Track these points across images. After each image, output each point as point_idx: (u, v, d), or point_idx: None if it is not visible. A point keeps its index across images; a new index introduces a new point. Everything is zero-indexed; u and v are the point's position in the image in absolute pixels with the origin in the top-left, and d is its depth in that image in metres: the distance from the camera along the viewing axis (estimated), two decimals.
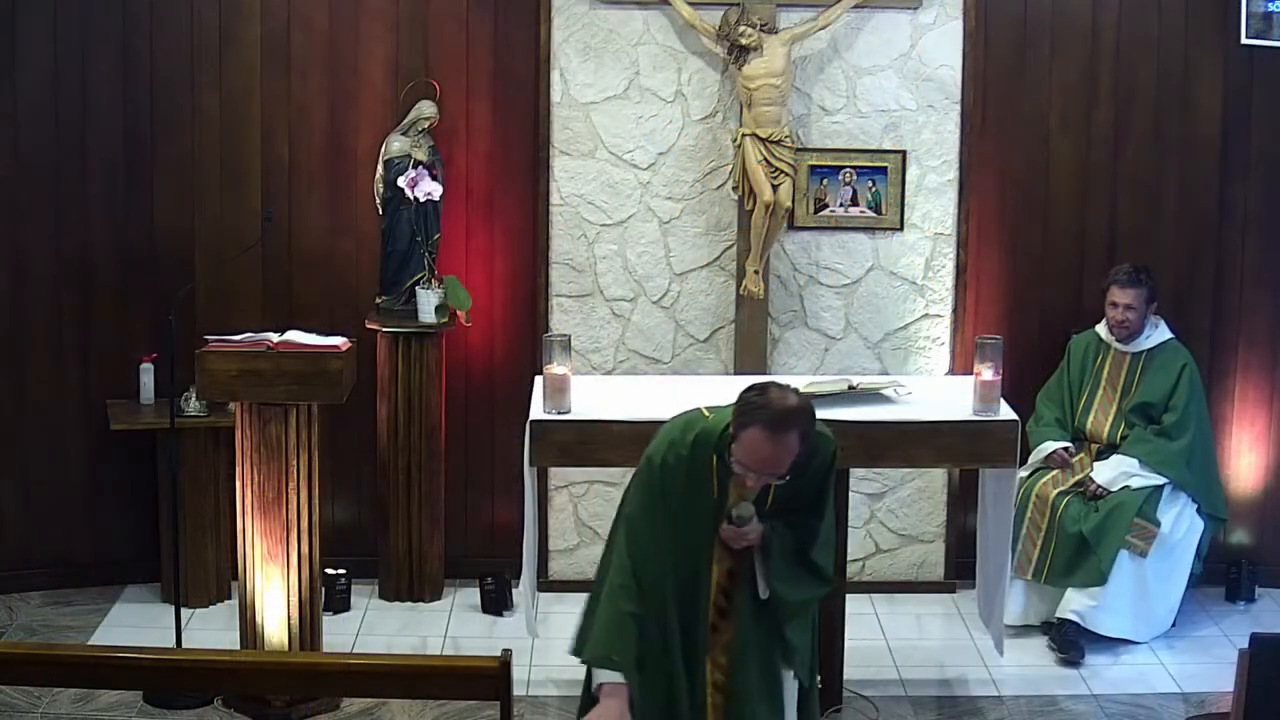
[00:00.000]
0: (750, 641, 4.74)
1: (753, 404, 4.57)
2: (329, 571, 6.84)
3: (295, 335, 6.01)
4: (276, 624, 5.98)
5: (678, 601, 4.69)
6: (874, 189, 7.03)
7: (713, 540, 4.69)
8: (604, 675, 4.62)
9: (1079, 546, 6.61)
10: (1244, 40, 6.96)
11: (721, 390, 6.10)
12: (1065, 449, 6.83)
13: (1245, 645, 5.01)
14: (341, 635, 6.68)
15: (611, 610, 4.64)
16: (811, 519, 4.77)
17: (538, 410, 5.88)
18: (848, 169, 7.02)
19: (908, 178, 7.02)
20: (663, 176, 7.02)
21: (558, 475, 7.16)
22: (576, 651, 4.75)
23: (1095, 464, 6.78)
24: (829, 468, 4.79)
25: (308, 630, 6.02)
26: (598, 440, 5.80)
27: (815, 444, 4.69)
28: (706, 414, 4.76)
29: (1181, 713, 6.15)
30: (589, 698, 4.71)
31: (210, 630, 6.65)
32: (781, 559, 4.72)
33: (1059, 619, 6.64)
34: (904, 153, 7.01)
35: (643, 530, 4.68)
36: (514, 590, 6.94)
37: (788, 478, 4.59)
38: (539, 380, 6.01)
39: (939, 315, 7.11)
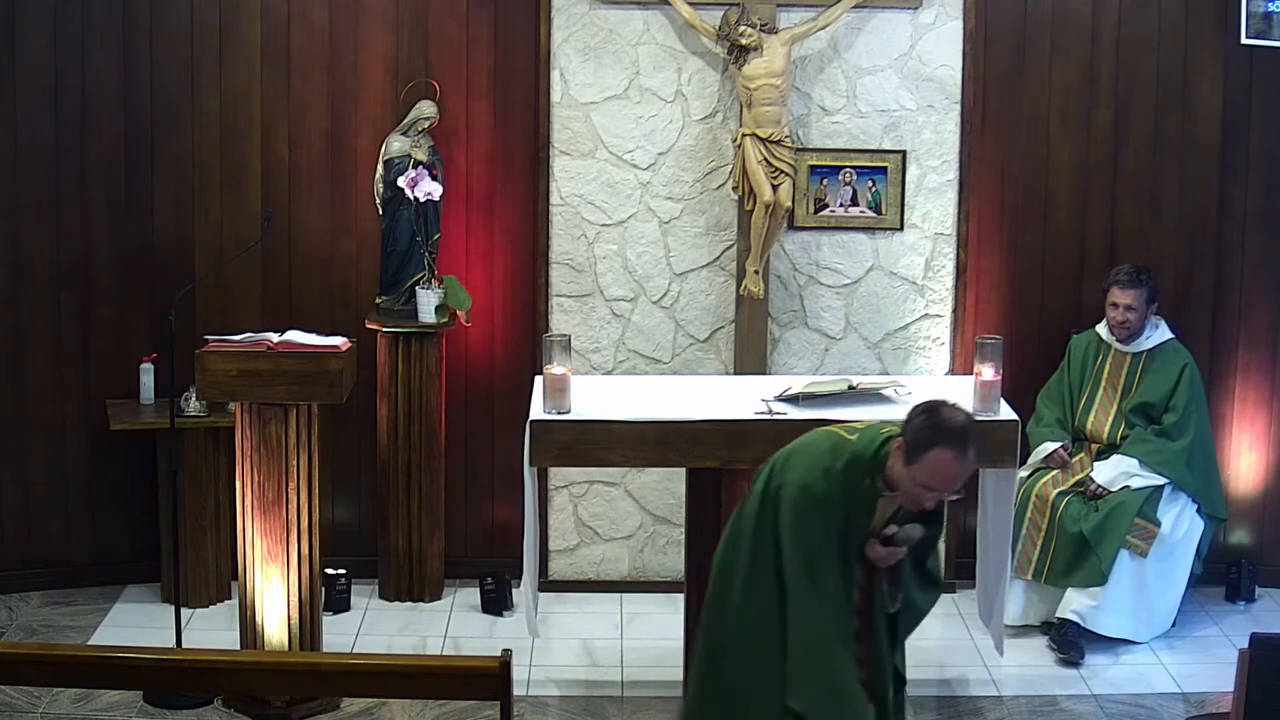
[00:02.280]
0: (883, 656, 4.74)
1: (931, 426, 4.50)
2: (329, 571, 6.84)
3: (295, 335, 6.01)
4: (276, 624, 5.98)
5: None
6: (874, 189, 7.03)
7: (853, 561, 4.64)
8: None
9: (1079, 546, 6.61)
10: (1244, 40, 6.96)
11: (722, 390, 6.13)
12: (1062, 446, 6.83)
13: (1245, 645, 5.02)
14: (341, 635, 6.68)
15: (846, 683, 4.59)
16: (932, 529, 4.74)
17: (538, 410, 5.88)
18: (848, 169, 7.02)
19: (908, 178, 7.02)
20: (663, 176, 7.02)
21: (558, 475, 7.16)
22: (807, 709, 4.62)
23: (1095, 464, 6.78)
24: (943, 510, 4.77)
25: (308, 630, 6.03)
26: (598, 440, 5.80)
27: None
28: (847, 435, 4.68)
29: (1181, 713, 6.15)
30: None
31: (210, 630, 6.65)
32: (911, 571, 4.73)
33: (1059, 619, 6.64)
34: (904, 153, 7.01)
35: (827, 565, 4.59)
36: (514, 590, 6.94)
37: (962, 493, 4.58)
38: (539, 380, 6.01)
39: (939, 315, 7.11)
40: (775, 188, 6.76)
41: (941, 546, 5.04)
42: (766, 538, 4.69)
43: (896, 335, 7.12)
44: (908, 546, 4.63)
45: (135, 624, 6.75)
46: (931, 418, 4.52)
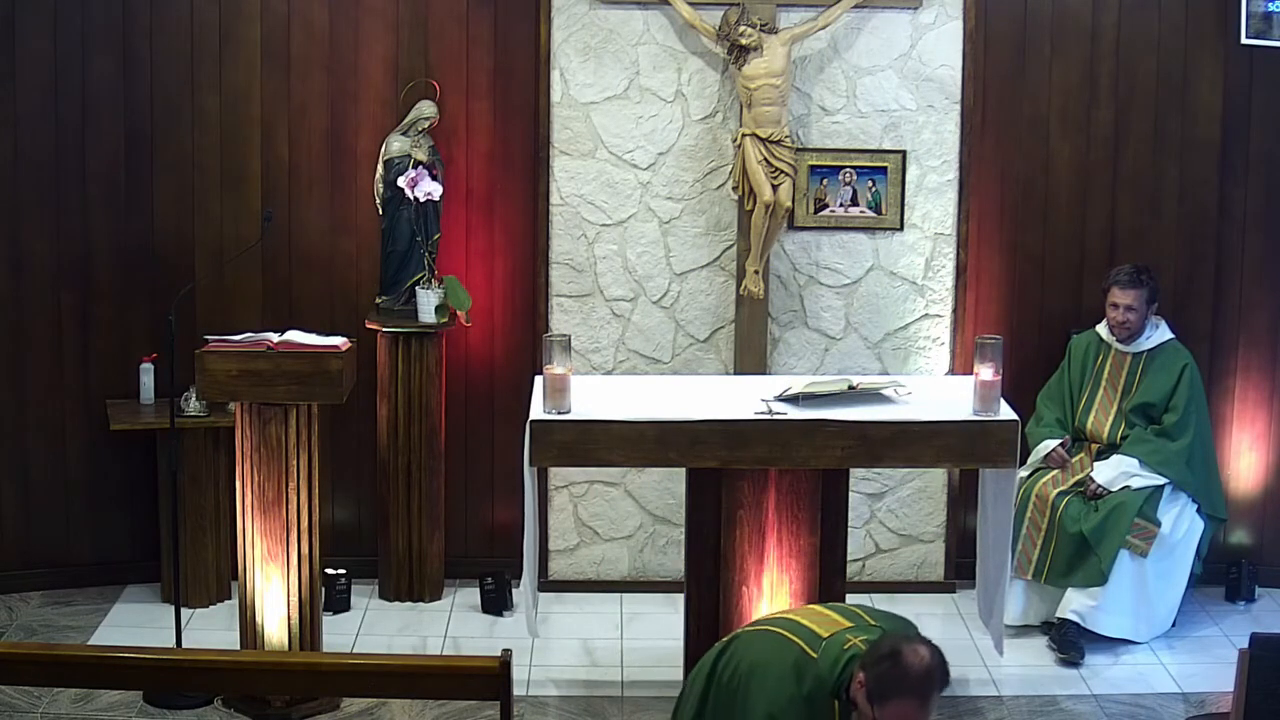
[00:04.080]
0: None
1: (896, 676, 4.37)
2: (329, 571, 6.84)
3: (295, 335, 6.01)
4: (276, 624, 5.98)
5: None
6: (874, 189, 7.03)
7: None
8: None
9: (1079, 546, 6.61)
10: (1244, 40, 6.96)
11: (722, 390, 6.12)
12: (1061, 444, 6.83)
13: (1245, 645, 5.02)
14: (341, 635, 6.68)
15: None
16: None
17: (538, 410, 5.88)
18: (848, 169, 7.02)
19: (908, 178, 7.02)
20: (663, 176, 7.02)
21: (558, 475, 7.16)
22: None
23: (1095, 464, 6.78)
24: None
25: (308, 630, 6.03)
26: (598, 440, 5.80)
27: None
28: (810, 652, 4.58)
29: (1181, 713, 6.15)
30: None
31: (210, 630, 6.65)
32: None
33: (1059, 619, 6.64)
34: (904, 153, 7.01)
35: None
36: (514, 590, 6.94)
37: None
38: (539, 380, 6.00)
39: (939, 315, 7.11)
40: (775, 188, 6.76)
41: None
42: None
43: (896, 335, 7.12)
44: None
45: (135, 624, 6.75)
46: (895, 665, 4.38)
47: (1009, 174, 7.09)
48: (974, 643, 6.70)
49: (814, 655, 4.57)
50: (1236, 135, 7.06)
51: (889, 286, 7.10)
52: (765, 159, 6.75)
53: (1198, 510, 6.78)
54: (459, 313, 6.92)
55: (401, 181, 6.80)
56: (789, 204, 6.82)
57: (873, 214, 7.05)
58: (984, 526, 6.35)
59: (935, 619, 6.95)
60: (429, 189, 6.79)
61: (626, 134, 6.99)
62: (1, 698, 6.05)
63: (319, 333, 6.12)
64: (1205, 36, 7.00)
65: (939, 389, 6.31)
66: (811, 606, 5.00)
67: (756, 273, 6.86)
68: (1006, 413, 5.97)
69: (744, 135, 6.77)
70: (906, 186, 7.03)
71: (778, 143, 6.76)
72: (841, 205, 7.05)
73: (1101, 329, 6.93)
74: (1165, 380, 6.79)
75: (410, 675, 4.49)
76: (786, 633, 4.67)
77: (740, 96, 6.82)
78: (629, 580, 7.24)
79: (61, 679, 4.73)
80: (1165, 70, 7.03)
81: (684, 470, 5.97)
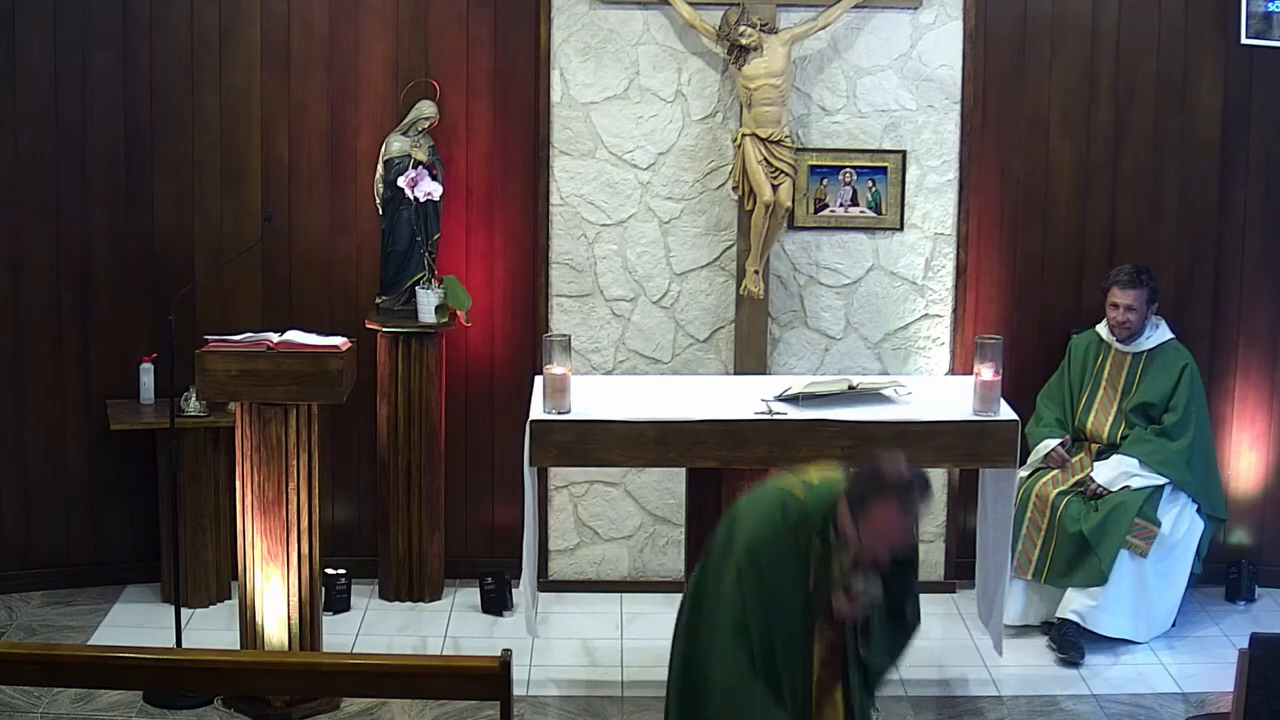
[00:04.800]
0: (856, 708, 4.67)
1: (872, 482, 4.45)
2: (329, 571, 6.84)
3: (295, 335, 6.01)
4: (276, 624, 5.98)
5: (787, 682, 4.58)
6: (874, 189, 7.03)
7: (812, 616, 4.59)
8: None
9: (1079, 546, 6.61)
10: (1244, 40, 6.96)
11: (722, 390, 6.13)
12: (1061, 443, 6.83)
13: (1245, 645, 5.02)
14: (341, 635, 6.68)
15: None
16: (907, 571, 4.70)
17: (538, 410, 5.88)
18: (848, 169, 7.02)
19: (908, 178, 7.03)
20: (663, 176, 7.02)
21: (558, 475, 7.16)
22: None
23: (1095, 464, 6.78)
24: (914, 557, 4.75)
25: (308, 630, 6.03)
26: (598, 440, 5.80)
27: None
28: (799, 494, 4.61)
29: (1181, 713, 6.15)
30: None
31: (210, 630, 6.65)
32: (881, 618, 4.66)
33: (1059, 619, 6.64)
34: (904, 153, 7.01)
35: (770, 627, 4.54)
36: (514, 590, 6.94)
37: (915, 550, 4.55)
38: (539, 380, 6.01)
39: (939, 315, 7.11)
40: (775, 188, 6.76)
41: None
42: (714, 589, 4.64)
43: (896, 335, 7.12)
44: (871, 603, 4.54)
45: (135, 624, 6.75)
46: (872, 473, 4.47)
47: (1009, 174, 7.09)
48: (974, 643, 6.70)
49: (801, 496, 4.61)
50: (1236, 135, 7.06)
51: (889, 286, 7.10)
52: (765, 159, 6.75)
53: (1198, 510, 6.78)
54: (459, 313, 6.92)
55: (401, 181, 6.80)
56: (789, 204, 6.83)
57: (873, 214, 7.05)
58: (984, 526, 6.35)
59: (935, 619, 6.95)
60: (429, 189, 6.79)
61: (626, 134, 6.99)
62: (1, 698, 6.05)
63: (319, 333, 6.12)
64: (1205, 36, 7.00)
65: (939, 389, 6.31)
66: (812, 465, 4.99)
67: (756, 273, 6.86)
68: (1006, 413, 5.97)
69: (744, 135, 6.77)
70: (906, 186, 7.03)
71: (778, 143, 6.76)
72: (841, 205, 7.05)
73: (1101, 329, 6.93)
74: (1165, 380, 6.79)
75: (410, 675, 4.50)
76: (780, 480, 4.71)
77: (740, 96, 6.82)
78: (629, 580, 7.24)
79: (61, 679, 4.73)
80: (1165, 70, 7.03)
81: (684, 470, 5.97)
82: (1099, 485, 6.68)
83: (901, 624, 4.76)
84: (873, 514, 4.42)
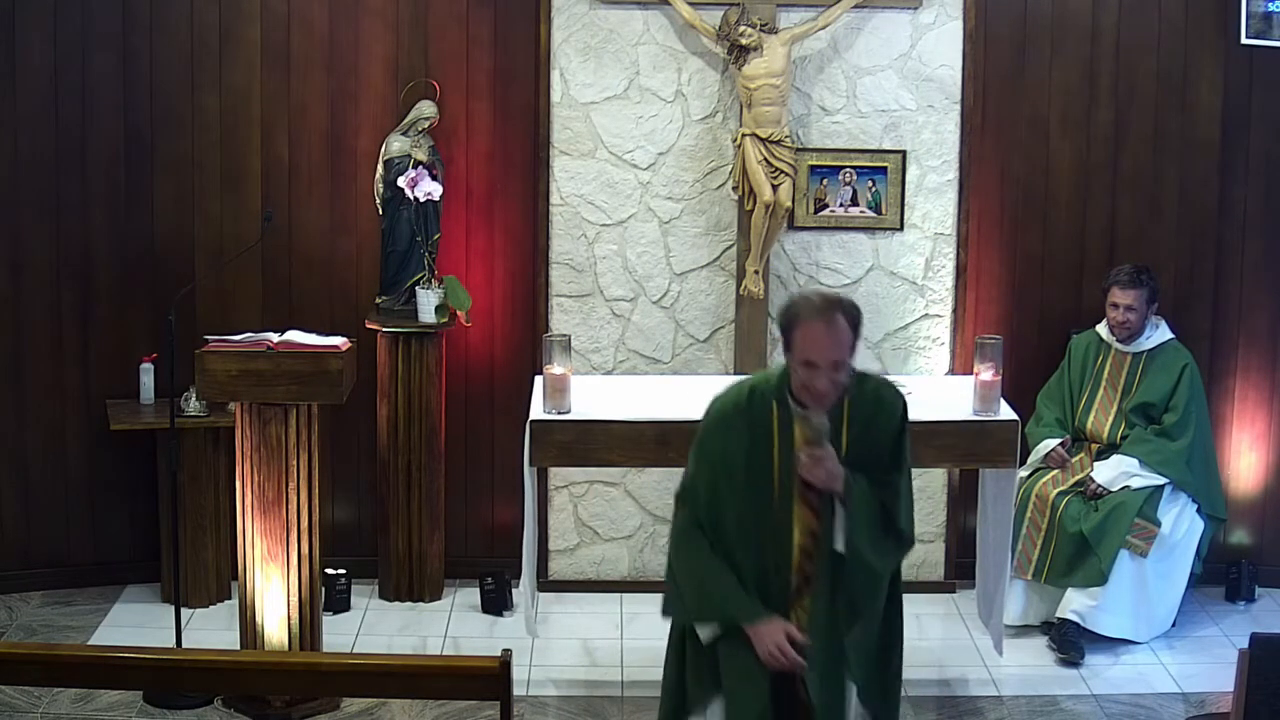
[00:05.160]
0: (821, 607, 4.62)
1: (794, 306, 4.57)
2: (329, 571, 6.84)
3: (295, 335, 6.01)
4: (276, 624, 5.98)
5: (758, 567, 4.61)
6: (874, 189, 7.03)
7: (789, 498, 4.59)
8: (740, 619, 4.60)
9: (1079, 546, 6.61)
10: (1244, 40, 6.96)
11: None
12: (1061, 443, 6.83)
13: (1245, 645, 5.01)
14: (341, 635, 6.68)
15: (714, 570, 4.63)
16: (890, 475, 4.67)
17: (538, 410, 5.89)
18: (848, 169, 7.02)
19: (908, 178, 7.03)
20: (663, 176, 7.02)
21: (558, 475, 7.16)
22: (697, 617, 4.65)
23: (1095, 464, 6.78)
24: (900, 421, 4.72)
25: (308, 630, 6.03)
26: (598, 440, 5.81)
27: (881, 395, 4.71)
28: (764, 377, 4.73)
29: (1181, 713, 6.15)
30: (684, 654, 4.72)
31: (210, 630, 6.65)
32: (863, 508, 4.60)
33: (1059, 619, 6.64)
34: (904, 153, 7.01)
35: (704, 487, 4.68)
36: (514, 590, 6.94)
37: (853, 373, 4.60)
38: (539, 380, 6.01)
39: (939, 315, 7.11)
40: (775, 188, 6.76)
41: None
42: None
43: (896, 335, 7.12)
44: (822, 451, 4.53)
45: (135, 624, 6.75)
46: (793, 301, 4.59)
47: (1009, 174, 7.09)
48: (974, 643, 6.70)
49: (765, 378, 4.73)
50: (1236, 135, 7.06)
51: (889, 286, 7.10)
52: (765, 159, 6.75)
53: (1198, 510, 6.78)
54: (459, 313, 6.92)
55: (401, 181, 6.80)
56: (789, 204, 6.83)
57: (873, 214, 7.05)
58: (984, 526, 6.35)
59: (935, 619, 6.95)
60: (429, 189, 6.79)
61: (626, 134, 6.99)
62: (1, 698, 6.05)
63: (319, 333, 6.12)
64: (1205, 36, 7.00)
65: (939, 389, 6.31)
66: None
67: (756, 273, 6.86)
68: (1006, 413, 5.97)
69: (744, 135, 6.77)
70: (906, 186, 7.03)
71: (778, 143, 6.76)
72: (841, 205, 7.05)
73: (1101, 329, 6.93)
74: (1165, 380, 6.79)
75: (410, 675, 4.49)
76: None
77: (740, 96, 6.82)
78: (629, 580, 7.24)
79: (61, 679, 4.72)
80: (1165, 70, 7.03)
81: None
82: (1099, 485, 6.68)
83: (891, 532, 4.68)
84: (799, 335, 4.52)
